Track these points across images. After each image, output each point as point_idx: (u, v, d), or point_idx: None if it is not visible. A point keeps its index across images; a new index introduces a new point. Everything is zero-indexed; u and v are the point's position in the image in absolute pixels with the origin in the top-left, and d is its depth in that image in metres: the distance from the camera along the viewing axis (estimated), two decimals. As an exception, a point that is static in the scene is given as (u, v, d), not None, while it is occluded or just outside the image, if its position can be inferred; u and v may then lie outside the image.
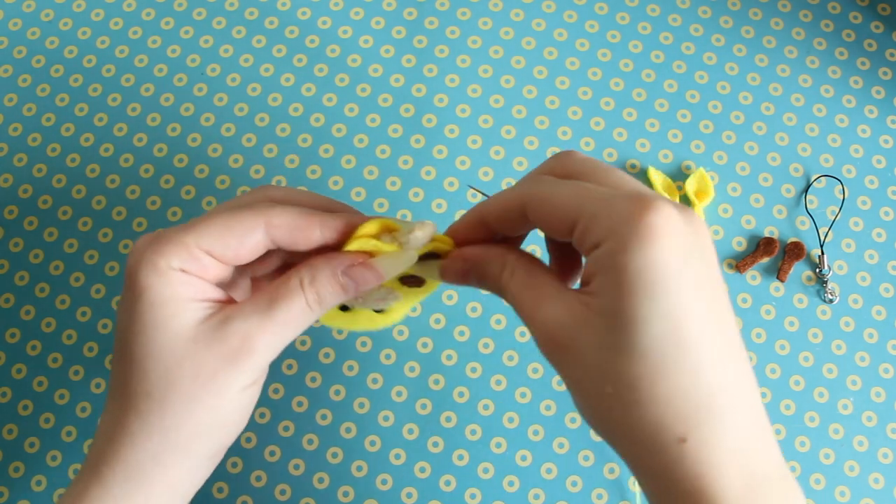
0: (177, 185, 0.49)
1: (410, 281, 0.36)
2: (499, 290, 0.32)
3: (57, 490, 0.44)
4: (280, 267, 0.37)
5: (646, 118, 0.50)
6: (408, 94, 0.51)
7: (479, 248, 0.33)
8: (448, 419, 0.46)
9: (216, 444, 0.32)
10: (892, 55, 0.52)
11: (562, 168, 0.32)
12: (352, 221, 0.33)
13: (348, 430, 0.45)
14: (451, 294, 0.47)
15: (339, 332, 0.47)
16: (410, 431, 0.45)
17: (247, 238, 0.32)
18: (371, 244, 0.32)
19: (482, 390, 0.46)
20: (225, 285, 0.34)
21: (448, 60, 0.51)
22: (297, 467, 0.45)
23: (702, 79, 0.51)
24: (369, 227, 0.33)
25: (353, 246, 0.32)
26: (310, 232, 0.32)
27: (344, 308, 0.37)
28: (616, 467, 0.45)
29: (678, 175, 0.49)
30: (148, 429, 0.31)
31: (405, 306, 0.37)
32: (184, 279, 0.31)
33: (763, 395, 0.46)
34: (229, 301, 0.33)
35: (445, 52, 0.51)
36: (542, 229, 0.30)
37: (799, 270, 0.48)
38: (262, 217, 0.32)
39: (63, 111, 0.50)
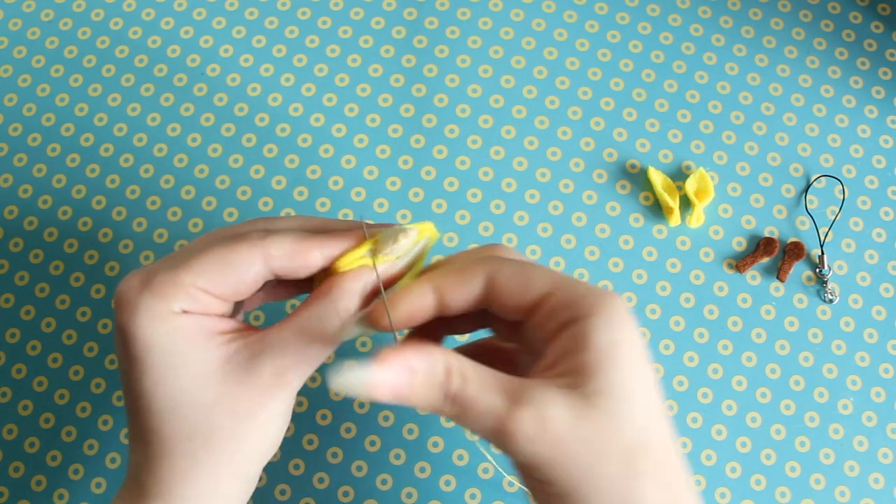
0: (177, 185, 0.49)
1: None
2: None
3: (56, 490, 0.44)
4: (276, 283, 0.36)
5: (646, 118, 0.50)
6: (408, 94, 0.51)
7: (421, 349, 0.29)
8: (448, 419, 0.46)
9: (264, 461, 0.32)
10: (892, 55, 0.52)
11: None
12: (351, 242, 0.32)
13: (348, 430, 0.45)
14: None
15: None
16: (410, 431, 0.45)
17: (246, 274, 0.31)
18: (360, 260, 0.32)
19: (482, 390, 0.46)
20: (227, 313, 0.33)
21: (448, 60, 0.51)
22: (297, 467, 0.45)
23: (702, 79, 0.51)
24: (363, 248, 0.32)
25: (344, 265, 0.32)
26: (309, 257, 0.31)
27: None
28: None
29: (678, 175, 0.49)
30: (198, 467, 0.30)
31: None
32: (190, 321, 0.30)
33: (763, 395, 0.46)
34: (246, 328, 0.32)
35: (445, 52, 0.51)
36: (502, 304, 0.30)
37: (799, 270, 0.48)
38: (258, 249, 0.31)
39: (63, 111, 0.50)
